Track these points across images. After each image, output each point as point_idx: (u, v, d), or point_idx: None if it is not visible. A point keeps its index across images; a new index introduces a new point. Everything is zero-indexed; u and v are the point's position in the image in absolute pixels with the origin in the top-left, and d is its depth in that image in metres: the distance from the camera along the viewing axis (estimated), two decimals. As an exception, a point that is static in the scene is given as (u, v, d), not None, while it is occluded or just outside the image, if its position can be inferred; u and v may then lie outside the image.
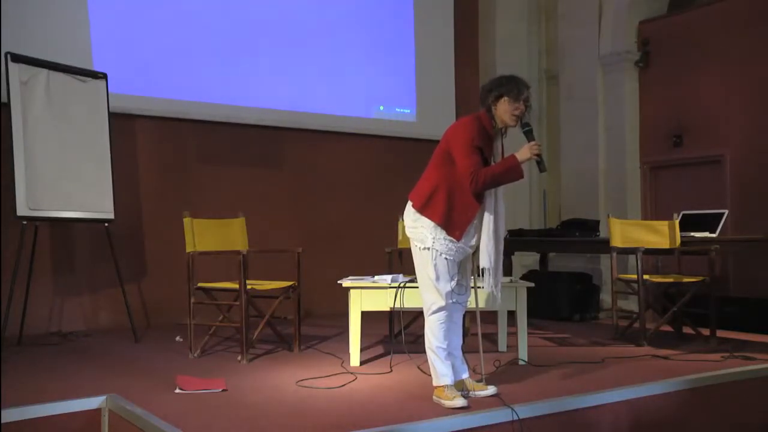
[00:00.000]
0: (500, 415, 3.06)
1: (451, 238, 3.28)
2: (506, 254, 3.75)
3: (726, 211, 5.52)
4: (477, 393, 3.38)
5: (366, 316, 4.29)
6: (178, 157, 6.35)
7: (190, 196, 6.21)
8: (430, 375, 3.36)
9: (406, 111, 7.62)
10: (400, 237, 5.26)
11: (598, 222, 6.64)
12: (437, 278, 3.27)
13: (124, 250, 5.71)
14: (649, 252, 5.27)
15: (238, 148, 6.64)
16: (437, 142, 3.42)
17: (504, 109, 3.31)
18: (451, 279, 3.32)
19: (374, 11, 7.43)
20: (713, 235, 5.34)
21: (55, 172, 5.09)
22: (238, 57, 6.55)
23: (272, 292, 4.67)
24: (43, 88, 5.11)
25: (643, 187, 7.80)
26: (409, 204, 3.40)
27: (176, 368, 4.10)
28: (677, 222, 5.38)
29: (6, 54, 4.94)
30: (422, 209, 3.31)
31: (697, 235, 5.38)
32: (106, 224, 5.36)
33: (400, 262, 5.04)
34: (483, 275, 3.36)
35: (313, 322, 6.10)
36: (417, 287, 3.51)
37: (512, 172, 3.25)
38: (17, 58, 4.98)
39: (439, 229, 3.27)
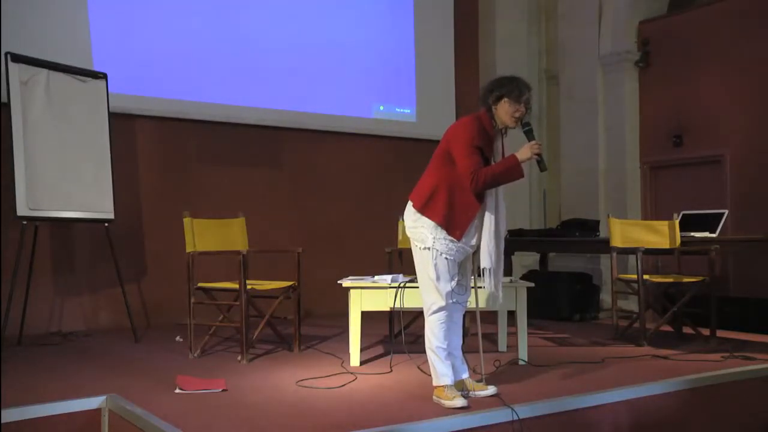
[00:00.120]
0: (500, 415, 3.06)
1: (452, 238, 3.28)
2: (506, 254, 3.74)
3: (726, 211, 5.52)
4: (477, 393, 3.38)
5: (366, 316, 4.29)
6: (178, 157, 6.35)
7: (190, 196, 6.21)
8: (430, 375, 3.36)
9: (406, 111, 7.62)
10: (400, 237, 5.26)
11: (598, 222, 6.64)
12: (438, 278, 3.27)
13: (124, 250, 5.70)
14: (649, 252, 5.27)
15: (238, 148, 6.64)
16: (437, 142, 3.42)
17: (504, 111, 3.30)
18: (452, 279, 3.31)
19: (374, 11, 7.43)
20: (713, 235, 5.34)
21: (55, 172, 5.09)
22: (238, 57, 6.55)
23: (272, 292, 4.67)
24: (43, 88, 5.11)
25: (643, 187, 7.80)
26: (410, 204, 3.40)
27: (176, 368, 4.09)
28: (677, 222, 5.38)
29: (6, 54, 4.94)
30: (423, 209, 3.31)
31: (697, 235, 5.38)
32: (106, 224, 5.36)
33: (400, 262, 5.04)
34: (484, 275, 3.35)
35: (313, 322, 6.10)
36: (417, 287, 3.51)
37: (512, 171, 3.25)
38: (17, 58, 4.98)
39: (439, 229, 3.27)
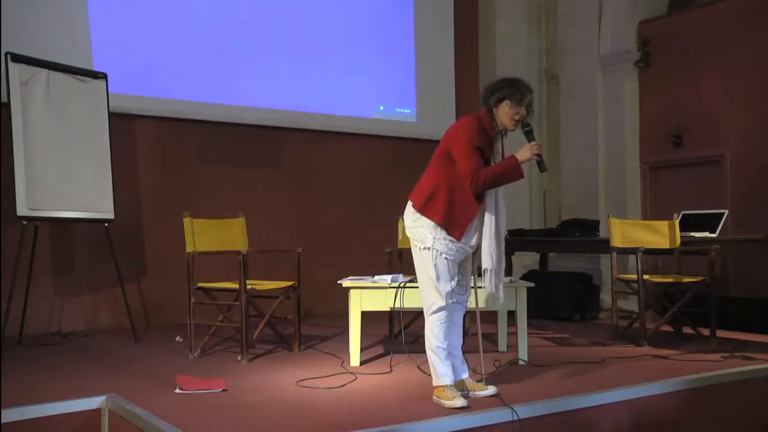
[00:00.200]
0: (500, 415, 3.06)
1: (452, 238, 3.28)
2: (507, 254, 3.74)
3: (726, 211, 5.52)
4: (477, 393, 3.38)
5: (366, 316, 4.29)
6: (178, 157, 6.35)
7: (190, 196, 6.21)
8: (430, 375, 3.36)
9: (406, 111, 7.62)
10: (400, 237, 5.26)
11: (598, 222, 6.64)
12: (437, 278, 3.27)
13: (124, 250, 5.70)
14: (649, 252, 5.27)
15: (238, 148, 6.64)
16: (437, 142, 3.42)
17: (505, 113, 3.30)
18: (452, 279, 3.31)
19: (374, 11, 7.43)
20: (713, 235, 5.34)
21: (55, 172, 5.09)
22: (238, 57, 6.55)
23: (272, 292, 4.67)
24: (43, 88, 5.11)
25: (643, 187, 7.80)
26: (410, 204, 3.40)
27: (176, 368, 4.09)
28: (677, 222, 5.38)
29: (6, 54, 4.94)
30: (422, 209, 3.31)
31: (697, 235, 5.38)
32: (106, 224, 5.36)
33: (400, 262, 5.04)
34: (484, 276, 3.35)
35: (313, 322, 6.10)
36: (417, 287, 3.51)
37: (512, 172, 3.25)
38: (17, 58, 4.98)
39: (439, 229, 3.27)
